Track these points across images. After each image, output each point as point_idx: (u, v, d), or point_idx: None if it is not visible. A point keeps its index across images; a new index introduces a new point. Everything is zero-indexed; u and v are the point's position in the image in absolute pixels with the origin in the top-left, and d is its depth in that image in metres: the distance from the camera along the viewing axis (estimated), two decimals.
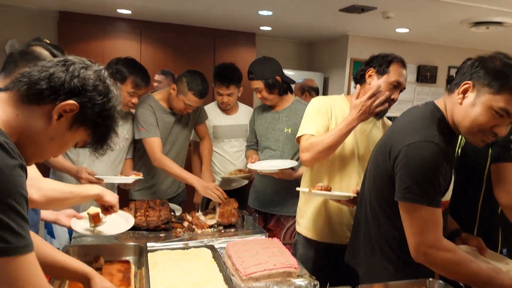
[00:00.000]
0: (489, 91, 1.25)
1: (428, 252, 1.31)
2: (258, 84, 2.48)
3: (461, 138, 1.77)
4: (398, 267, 1.50)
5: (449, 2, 3.67)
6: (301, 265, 1.74)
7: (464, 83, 1.29)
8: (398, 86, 1.82)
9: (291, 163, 2.31)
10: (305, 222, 2.09)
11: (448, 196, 1.44)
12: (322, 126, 1.91)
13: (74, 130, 0.98)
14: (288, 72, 2.58)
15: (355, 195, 1.77)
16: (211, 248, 1.89)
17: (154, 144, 2.44)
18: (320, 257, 2.03)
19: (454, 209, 1.69)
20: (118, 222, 1.88)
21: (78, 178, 2.16)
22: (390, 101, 1.81)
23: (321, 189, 1.78)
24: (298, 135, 1.96)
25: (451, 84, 1.36)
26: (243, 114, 2.91)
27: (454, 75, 1.38)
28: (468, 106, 1.29)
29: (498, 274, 1.31)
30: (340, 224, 2.00)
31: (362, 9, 4.03)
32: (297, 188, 1.88)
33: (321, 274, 1.70)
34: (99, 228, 1.81)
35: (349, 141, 1.90)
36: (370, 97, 1.74)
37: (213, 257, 1.81)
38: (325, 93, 6.37)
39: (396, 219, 1.41)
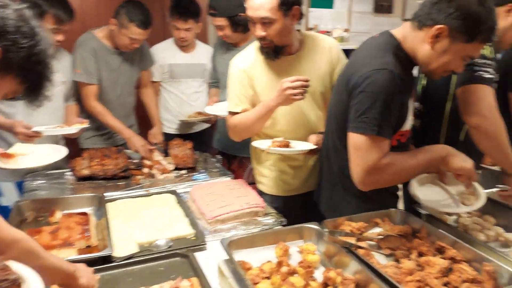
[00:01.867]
0: (463, 40, 1.22)
1: (373, 179, 1.32)
2: (221, 21, 2.31)
3: None
4: (359, 200, 1.52)
5: None
6: (266, 202, 1.74)
7: (438, 27, 1.21)
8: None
9: None
10: (266, 181, 1.92)
11: (407, 125, 1.43)
12: (246, 100, 1.78)
13: (0, 79, 0.86)
14: None
15: (315, 146, 1.69)
16: (174, 193, 1.84)
17: (88, 90, 2.29)
18: (289, 206, 1.92)
19: (418, 138, 1.71)
20: (46, 153, 1.76)
21: (14, 133, 1.94)
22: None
23: (279, 146, 1.66)
24: (228, 109, 1.84)
25: (419, 17, 1.27)
26: (202, 52, 2.74)
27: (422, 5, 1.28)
28: (439, 51, 1.26)
29: (431, 151, 1.37)
30: (305, 172, 1.90)
31: None
32: (253, 143, 1.77)
33: (289, 218, 1.66)
34: (21, 161, 1.72)
35: None
36: (292, 81, 1.57)
37: (177, 203, 1.76)
38: None
39: None
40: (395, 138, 1.41)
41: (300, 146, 1.71)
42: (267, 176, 1.92)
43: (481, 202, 1.45)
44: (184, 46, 2.66)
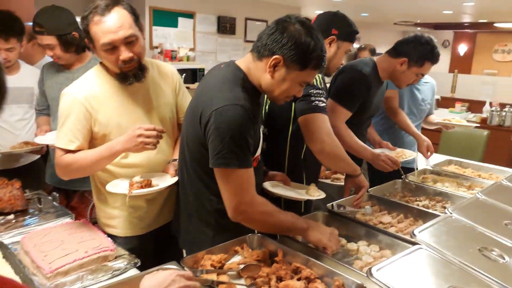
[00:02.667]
0: (297, 68, 1.32)
1: (245, 210, 1.35)
2: (50, 40, 2.04)
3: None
4: (216, 231, 1.50)
5: None
6: (119, 245, 1.57)
7: (275, 57, 1.30)
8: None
9: None
10: (115, 223, 1.72)
11: (258, 152, 1.50)
12: (82, 136, 1.56)
13: None
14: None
15: (176, 178, 1.61)
16: (0, 246, 1.53)
17: None
18: (146, 245, 1.78)
19: (265, 160, 1.77)
20: None
21: None
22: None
23: (141, 187, 1.51)
24: (56, 144, 1.60)
25: (258, 48, 1.35)
26: (27, 74, 2.39)
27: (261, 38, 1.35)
28: (278, 80, 1.34)
29: (297, 219, 1.46)
30: (159, 202, 1.77)
31: None
32: (108, 188, 1.55)
33: (147, 259, 1.54)
34: None
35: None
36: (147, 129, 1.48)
37: (3, 257, 1.46)
38: None
39: (212, 184, 1.40)
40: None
41: (162, 180, 1.60)
42: (116, 217, 1.71)
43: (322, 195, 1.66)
44: (6, 68, 2.28)
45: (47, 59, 2.56)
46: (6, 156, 2.29)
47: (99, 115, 1.57)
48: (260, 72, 1.36)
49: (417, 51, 2.11)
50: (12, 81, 2.28)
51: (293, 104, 1.72)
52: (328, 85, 2.11)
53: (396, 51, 2.16)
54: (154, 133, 1.47)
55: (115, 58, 1.50)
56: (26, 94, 2.38)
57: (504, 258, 1.42)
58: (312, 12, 8.22)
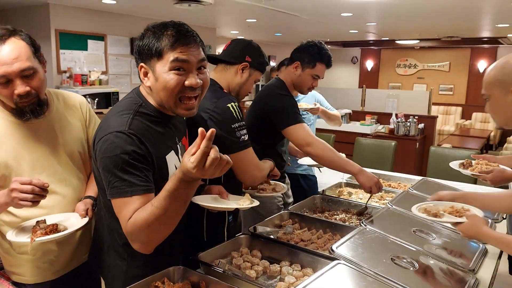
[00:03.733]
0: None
1: (136, 238, 1.21)
2: None
3: None
4: (130, 264, 1.41)
5: None
6: None
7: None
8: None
9: None
10: (22, 270, 1.56)
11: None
12: None
13: None
14: None
15: (87, 219, 1.49)
16: None
17: None
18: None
19: None
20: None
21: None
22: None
23: (46, 233, 1.35)
24: None
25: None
26: None
27: None
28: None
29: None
30: (73, 243, 1.63)
31: None
32: (10, 238, 1.37)
33: None
34: None
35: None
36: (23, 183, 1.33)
37: None
38: None
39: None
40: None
41: (71, 220, 1.46)
42: (23, 265, 1.54)
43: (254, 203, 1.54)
44: None
45: None
46: None
47: None
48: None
49: (306, 53, 2.29)
50: None
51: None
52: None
53: (290, 58, 2.37)
54: (30, 188, 1.30)
55: (9, 92, 1.38)
56: None
57: (414, 265, 1.52)
58: (227, 32, 8.36)
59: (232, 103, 1.65)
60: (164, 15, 6.05)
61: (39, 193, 1.32)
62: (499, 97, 1.40)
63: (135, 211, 1.19)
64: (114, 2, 4.98)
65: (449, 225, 1.75)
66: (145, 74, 1.30)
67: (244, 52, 1.85)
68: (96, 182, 1.39)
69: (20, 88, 1.38)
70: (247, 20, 6.48)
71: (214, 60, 1.87)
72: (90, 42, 5.51)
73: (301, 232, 1.91)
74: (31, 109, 1.44)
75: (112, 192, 1.22)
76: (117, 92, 5.37)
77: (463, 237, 1.48)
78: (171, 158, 1.38)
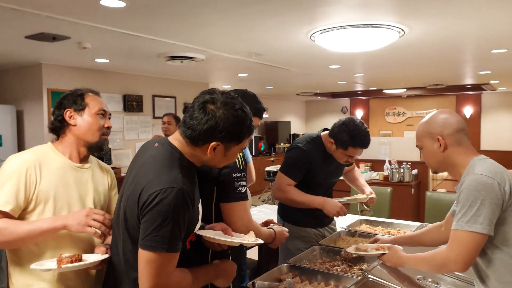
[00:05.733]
0: (234, 144, 1.41)
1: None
2: None
3: None
4: None
5: (144, 37, 3.80)
6: None
7: (212, 145, 1.36)
8: (105, 114, 1.71)
9: None
10: None
11: (196, 228, 1.46)
12: (18, 200, 1.50)
13: None
14: None
15: (106, 255, 1.50)
16: None
17: None
18: None
19: None
20: None
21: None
22: (106, 129, 1.69)
23: (71, 261, 1.40)
24: None
25: (191, 136, 1.37)
26: None
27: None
28: (220, 157, 1.42)
29: (207, 269, 1.51)
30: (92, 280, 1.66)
31: (53, 38, 3.68)
32: (35, 267, 1.39)
33: None
34: None
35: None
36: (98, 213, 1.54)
37: None
38: (20, 129, 5.50)
39: None
40: (188, 240, 1.42)
41: (92, 257, 1.49)
42: None
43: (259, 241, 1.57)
44: None
45: None
46: None
47: (42, 184, 1.54)
48: (199, 154, 1.41)
49: (339, 136, 2.36)
50: None
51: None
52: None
53: (330, 130, 2.45)
54: (101, 217, 1.50)
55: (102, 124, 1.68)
56: None
57: None
58: (219, 86, 8.52)
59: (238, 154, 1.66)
60: (157, 72, 6.19)
61: (107, 225, 1.51)
62: (429, 146, 1.61)
63: (167, 267, 1.30)
64: (107, 60, 5.10)
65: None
66: (214, 149, 1.39)
67: None
68: (122, 230, 1.41)
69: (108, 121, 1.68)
70: (238, 75, 6.65)
71: None
72: None
73: (302, 286, 1.83)
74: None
75: (148, 244, 1.28)
76: (110, 149, 5.36)
77: (388, 265, 1.81)
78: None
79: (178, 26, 3.45)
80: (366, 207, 2.72)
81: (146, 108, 6.53)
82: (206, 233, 1.48)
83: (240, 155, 1.68)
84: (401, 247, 1.82)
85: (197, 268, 1.47)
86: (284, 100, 11.91)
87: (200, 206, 1.47)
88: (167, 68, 5.52)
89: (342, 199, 2.62)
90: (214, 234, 1.49)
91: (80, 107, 1.64)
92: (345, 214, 2.41)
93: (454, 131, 1.55)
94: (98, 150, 1.65)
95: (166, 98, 6.86)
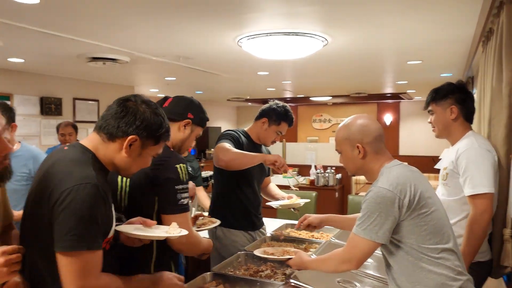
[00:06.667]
0: (152, 143, 1.42)
1: None
2: None
3: None
4: None
5: (62, 36, 3.56)
6: None
7: (129, 138, 1.37)
8: None
9: None
10: None
11: (111, 233, 1.41)
12: None
13: None
14: None
15: None
16: None
17: None
18: None
19: None
20: None
21: None
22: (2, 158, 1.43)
23: None
24: None
25: (108, 130, 1.38)
26: None
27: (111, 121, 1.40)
28: (134, 157, 1.41)
29: (142, 279, 1.48)
30: None
31: None
32: None
33: None
34: None
35: None
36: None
37: None
38: None
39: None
40: (106, 241, 1.36)
41: None
42: None
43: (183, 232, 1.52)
44: None
45: None
46: None
47: None
48: (113, 152, 1.39)
49: (275, 112, 2.63)
50: None
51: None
52: None
53: (259, 114, 2.70)
54: (18, 256, 1.21)
55: None
56: None
57: None
58: (146, 90, 8.29)
59: (181, 165, 1.66)
60: (78, 73, 5.85)
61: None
62: (348, 152, 1.66)
63: (91, 266, 1.25)
64: (22, 60, 4.72)
65: (371, 273, 1.92)
66: (130, 145, 1.39)
67: (186, 109, 1.91)
68: (29, 236, 1.34)
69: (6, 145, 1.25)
70: (166, 78, 6.50)
71: None
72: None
73: None
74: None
75: (66, 245, 1.22)
76: None
77: (293, 269, 1.87)
78: None
79: (98, 26, 3.28)
80: (294, 211, 2.78)
81: (66, 111, 6.13)
82: (125, 228, 1.44)
83: (183, 167, 1.67)
84: (306, 253, 1.91)
85: (130, 276, 1.43)
86: (215, 105, 11.88)
87: (113, 210, 1.41)
88: (89, 70, 5.22)
89: (277, 202, 2.69)
90: (134, 229, 1.46)
91: None
92: (283, 163, 2.43)
93: (374, 139, 1.62)
94: None
95: (89, 101, 6.50)
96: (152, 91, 8.48)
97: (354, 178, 6.72)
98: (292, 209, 2.77)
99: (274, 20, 3.14)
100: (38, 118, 5.72)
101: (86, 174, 1.27)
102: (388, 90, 8.70)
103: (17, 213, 1.86)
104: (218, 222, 2.31)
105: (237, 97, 9.90)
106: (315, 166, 6.34)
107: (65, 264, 1.22)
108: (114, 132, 1.37)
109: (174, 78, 6.44)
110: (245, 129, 2.75)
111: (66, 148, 1.41)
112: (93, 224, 1.24)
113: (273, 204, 2.72)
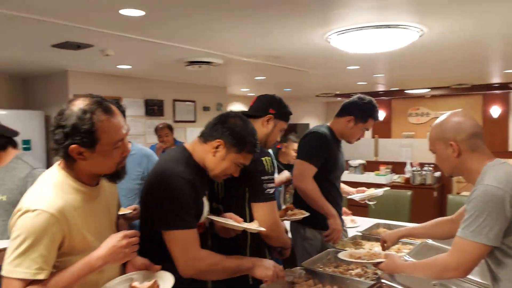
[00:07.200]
0: (235, 151, 1.63)
1: (194, 265, 1.53)
2: None
3: None
4: None
5: (164, 44, 3.88)
6: None
7: (217, 141, 1.63)
8: (123, 140, 1.45)
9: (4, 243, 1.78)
10: None
11: (202, 219, 1.67)
12: (51, 262, 1.27)
13: None
14: None
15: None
16: None
17: None
18: None
19: None
20: None
21: None
22: (123, 158, 1.56)
23: None
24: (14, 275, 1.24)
25: (204, 134, 1.67)
26: None
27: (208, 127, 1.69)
28: (219, 159, 1.64)
29: (242, 259, 1.67)
30: None
31: (78, 46, 3.81)
32: None
33: None
34: None
35: None
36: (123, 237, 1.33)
37: None
38: (48, 133, 5.68)
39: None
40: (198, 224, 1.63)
41: (161, 278, 1.46)
42: None
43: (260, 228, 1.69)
44: None
45: None
46: None
47: (73, 227, 1.30)
48: (204, 153, 1.66)
49: (361, 110, 2.50)
50: None
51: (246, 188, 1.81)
52: None
53: (343, 111, 2.55)
54: (137, 239, 1.35)
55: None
56: None
57: None
58: (237, 90, 8.60)
59: (266, 157, 1.81)
60: (177, 77, 6.29)
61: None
62: (442, 151, 1.58)
63: (189, 241, 1.56)
64: (130, 66, 5.22)
65: (472, 278, 1.76)
66: (216, 147, 1.64)
67: (267, 106, 2.05)
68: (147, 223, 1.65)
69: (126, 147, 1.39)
70: (256, 78, 6.68)
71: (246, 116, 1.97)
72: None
73: None
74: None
75: (172, 224, 1.53)
76: None
77: (384, 273, 1.78)
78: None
79: (196, 32, 3.51)
80: (369, 202, 2.75)
81: (167, 112, 6.64)
82: (214, 217, 1.68)
83: (268, 159, 1.81)
84: (398, 255, 1.84)
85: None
86: (303, 102, 11.85)
87: (205, 200, 1.68)
88: (186, 73, 5.59)
89: (360, 195, 2.66)
90: (223, 219, 1.68)
91: (89, 144, 1.28)
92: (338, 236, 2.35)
93: (468, 136, 1.52)
94: (113, 179, 1.43)
95: (186, 102, 6.96)
96: (243, 90, 8.78)
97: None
98: (367, 201, 2.73)
99: (364, 14, 3.06)
100: (143, 119, 6.27)
101: (177, 169, 1.57)
102: (495, 80, 7.90)
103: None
104: (307, 214, 2.30)
105: (326, 92, 9.78)
106: (411, 163, 6.03)
107: (170, 241, 1.52)
108: (207, 136, 1.66)
109: (264, 77, 6.59)
110: (328, 124, 2.62)
111: (171, 148, 1.74)
112: (185, 208, 1.53)
113: (354, 197, 2.73)
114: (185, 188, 1.53)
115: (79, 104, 1.28)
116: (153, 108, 6.38)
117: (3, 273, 1.21)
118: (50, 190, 1.29)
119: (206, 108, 7.30)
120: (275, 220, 1.81)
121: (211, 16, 3.06)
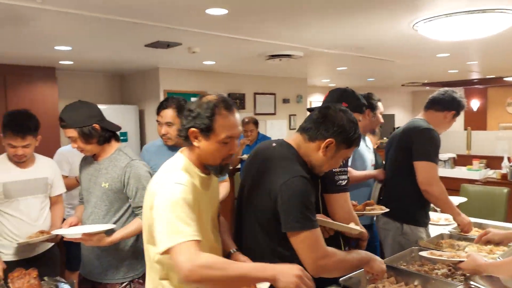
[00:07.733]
0: (344, 147, 1.64)
1: (323, 263, 1.52)
2: (72, 132, 2.08)
3: None
4: None
5: (246, 39, 4.00)
6: None
7: (327, 141, 1.60)
8: (232, 138, 1.62)
9: (102, 227, 2.00)
10: None
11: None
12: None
13: None
14: (100, 107, 2.27)
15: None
16: None
17: None
18: None
19: None
20: None
21: None
22: (229, 155, 1.63)
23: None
24: (165, 246, 1.30)
25: (309, 132, 1.64)
26: (42, 165, 2.51)
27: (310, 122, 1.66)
28: (329, 157, 1.63)
29: (360, 253, 1.69)
30: None
31: (167, 45, 4.08)
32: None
33: None
34: None
35: None
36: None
37: None
38: (142, 126, 6.17)
39: (283, 250, 1.58)
40: None
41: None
42: None
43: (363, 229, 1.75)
44: (22, 162, 2.42)
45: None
46: (23, 246, 2.33)
47: (195, 207, 1.42)
48: (312, 151, 1.64)
49: (460, 105, 2.55)
50: (28, 173, 2.43)
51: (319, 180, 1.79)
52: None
53: (444, 106, 2.55)
54: (311, 284, 1.34)
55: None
56: (41, 184, 2.47)
57: None
58: (318, 81, 8.52)
59: None
60: (257, 70, 6.43)
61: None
62: None
63: (318, 240, 1.54)
64: (214, 62, 5.45)
65: None
66: (327, 147, 1.62)
67: (340, 100, 2.04)
68: (256, 227, 1.65)
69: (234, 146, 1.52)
70: (337, 69, 6.57)
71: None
72: (193, 99, 6.04)
73: (397, 287, 1.80)
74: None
75: (296, 225, 1.50)
76: None
77: (466, 272, 1.77)
78: None
79: (277, 27, 3.56)
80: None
81: (248, 105, 6.82)
82: (324, 219, 1.69)
83: None
84: (481, 255, 1.78)
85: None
86: (388, 92, 11.36)
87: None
88: (267, 66, 5.69)
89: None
90: (334, 222, 1.71)
91: (206, 131, 1.45)
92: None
93: None
94: (216, 172, 1.55)
95: (267, 95, 7.08)
96: (323, 81, 8.68)
97: None
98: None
99: (454, 0, 2.88)
100: None
101: (295, 169, 1.57)
102: None
103: None
104: (387, 209, 2.22)
105: (412, 82, 9.29)
106: (508, 158, 5.52)
107: (299, 242, 1.51)
108: (314, 135, 1.63)
109: (345, 68, 6.46)
110: (421, 116, 2.61)
111: (274, 145, 1.71)
112: (311, 207, 1.53)
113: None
114: (308, 187, 1.54)
115: (209, 98, 1.48)
116: (235, 101, 6.57)
117: (167, 245, 1.30)
118: (180, 172, 1.47)
119: (285, 100, 7.36)
120: (348, 211, 1.80)
121: (294, 12, 3.09)
